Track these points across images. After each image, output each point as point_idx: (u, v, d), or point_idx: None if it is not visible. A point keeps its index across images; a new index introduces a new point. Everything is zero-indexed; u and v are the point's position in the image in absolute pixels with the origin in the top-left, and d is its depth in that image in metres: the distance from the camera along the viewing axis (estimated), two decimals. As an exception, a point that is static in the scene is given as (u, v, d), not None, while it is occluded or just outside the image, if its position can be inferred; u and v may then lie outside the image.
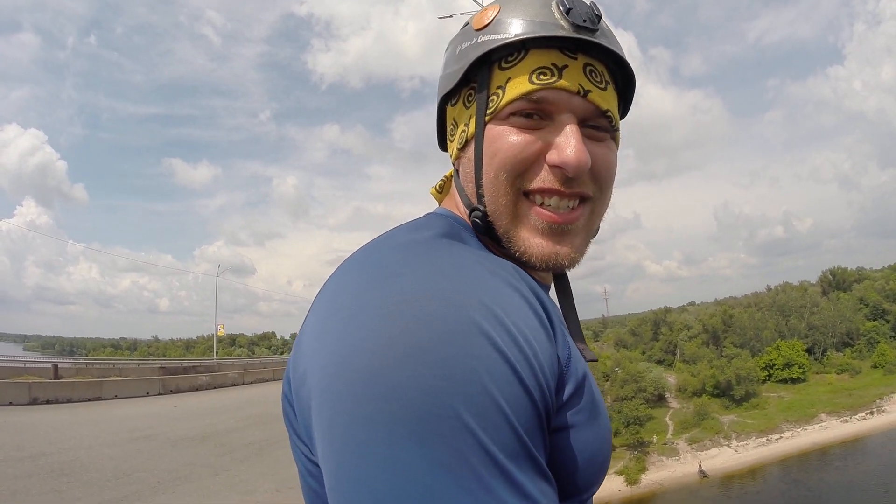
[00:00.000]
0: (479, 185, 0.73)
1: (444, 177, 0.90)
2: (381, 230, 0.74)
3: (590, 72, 0.71)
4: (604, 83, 0.72)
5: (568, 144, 0.68)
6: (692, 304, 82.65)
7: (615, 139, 0.77)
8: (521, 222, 0.71)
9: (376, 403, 0.48)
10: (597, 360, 0.78)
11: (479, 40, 0.73)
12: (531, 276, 0.74)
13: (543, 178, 0.70)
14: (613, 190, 0.78)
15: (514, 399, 0.50)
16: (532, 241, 0.71)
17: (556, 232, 0.71)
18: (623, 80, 0.78)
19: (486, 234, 0.75)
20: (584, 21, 0.69)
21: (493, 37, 0.72)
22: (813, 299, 55.19)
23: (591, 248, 0.78)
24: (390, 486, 0.46)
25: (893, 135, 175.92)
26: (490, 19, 0.73)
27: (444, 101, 0.83)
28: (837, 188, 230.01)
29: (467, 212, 0.77)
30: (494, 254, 0.73)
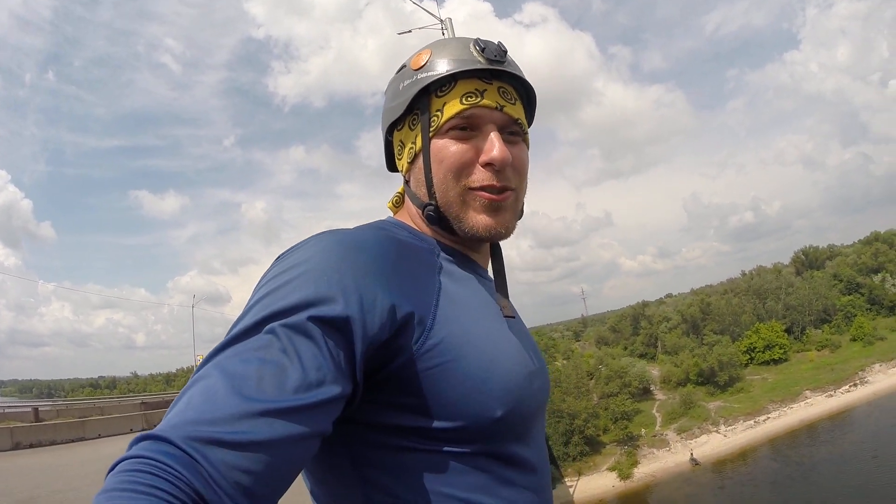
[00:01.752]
0: (430, 186, 0.97)
1: (398, 192, 1.14)
2: None
3: (502, 92, 0.97)
4: (514, 99, 0.99)
5: (494, 147, 0.93)
6: (669, 295, 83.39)
7: (526, 141, 1.04)
8: (467, 206, 0.96)
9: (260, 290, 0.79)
10: (514, 318, 0.99)
11: (418, 77, 0.97)
12: (465, 255, 1.03)
13: (479, 177, 0.94)
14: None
15: (318, 307, 0.73)
16: (477, 218, 0.95)
17: (494, 208, 0.96)
18: (527, 96, 1.05)
19: (439, 223, 0.98)
20: (495, 56, 0.95)
21: (429, 73, 0.96)
22: (787, 280, 56.07)
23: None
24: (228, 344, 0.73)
25: (852, 113, 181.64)
26: (425, 61, 0.98)
27: (390, 129, 1.07)
28: (802, 169, 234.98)
29: (420, 212, 1.01)
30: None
